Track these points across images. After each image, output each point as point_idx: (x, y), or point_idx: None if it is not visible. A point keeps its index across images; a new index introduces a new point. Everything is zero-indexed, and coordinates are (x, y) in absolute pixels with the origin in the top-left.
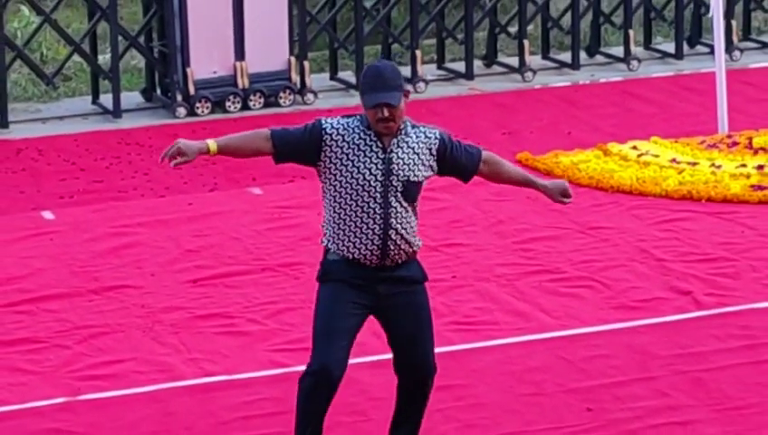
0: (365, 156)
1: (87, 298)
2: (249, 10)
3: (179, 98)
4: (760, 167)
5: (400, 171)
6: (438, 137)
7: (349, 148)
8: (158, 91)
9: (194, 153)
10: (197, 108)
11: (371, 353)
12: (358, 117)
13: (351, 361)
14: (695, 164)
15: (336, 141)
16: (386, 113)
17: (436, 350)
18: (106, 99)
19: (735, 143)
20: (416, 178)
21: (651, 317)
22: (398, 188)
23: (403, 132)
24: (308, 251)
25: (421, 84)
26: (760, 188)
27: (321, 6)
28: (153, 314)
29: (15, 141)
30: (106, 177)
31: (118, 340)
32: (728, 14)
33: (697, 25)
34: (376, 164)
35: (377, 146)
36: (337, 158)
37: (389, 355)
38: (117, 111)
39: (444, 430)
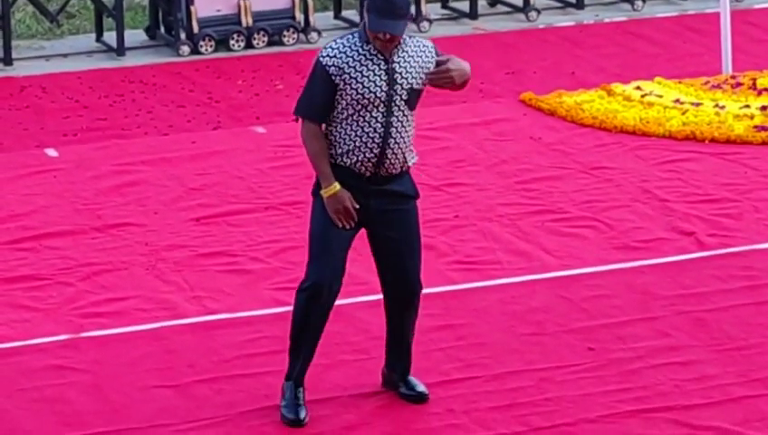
0: (368, 69)
1: (90, 236)
2: None
3: (183, 36)
4: (764, 108)
5: (404, 80)
6: (433, 46)
7: (351, 66)
8: (162, 30)
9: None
10: (201, 46)
11: (373, 293)
12: (356, 33)
13: (352, 299)
14: (698, 105)
15: (339, 66)
16: (387, 37)
17: (438, 289)
18: (110, 36)
19: (739, 84)
20: (418, 86)
21: (653, 258)
22: (402, 96)
23: (402, 43)
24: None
25: (425, 23)
26: (763, 128)
27: None
28: (156, 252)
29: (19, 79)
30: (109, 114)
31: (121, 277)
32: None
33: None
34: (380, 76)
35: (378, 58)
36: (345, 78)
37: None
38: (121, 49)
39: (446, 369)
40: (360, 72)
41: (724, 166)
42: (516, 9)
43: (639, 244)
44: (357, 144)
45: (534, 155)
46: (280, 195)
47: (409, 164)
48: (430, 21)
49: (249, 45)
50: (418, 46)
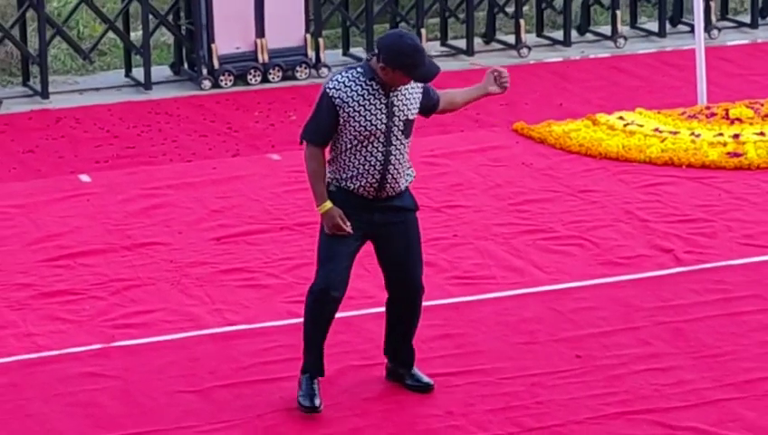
0: (370, 104)
1: (120, 254)
2: None
3: (205, 71)
4: (736, 136)
5: (401, 112)
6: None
7: (354, 100)
8: (186, 66)
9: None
10: (221, 80)
11: (379, 306)
12: (358, 68)
13: (360, 311)
14: (676, 133)
15: (344, 99)
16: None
17: (438, 301)
18: (138, 72)
19: (713, 114)
20: (413, 117)
21: (635, 273)
22: (400, 127)
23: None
24: None
25: None
26: (735, 155)
27: None
28: (180, 269)
29: (55, 111)
30: (138, 143)
31: (148, 292)
32: None
33: (679, 6)
34: (380, 109)
35: (379, 93)
36: (347, 110)
37: None
38: (148, 84)
39: (445, 374)
40: (363, 105)
41: (699, 189)
42: (509, 46)
43: (622, 260)
44: (360, 171)
45: (526, 179)
46: (293, 216)
47: (408, 182)
48: (430, 57)
49: (265, 80)
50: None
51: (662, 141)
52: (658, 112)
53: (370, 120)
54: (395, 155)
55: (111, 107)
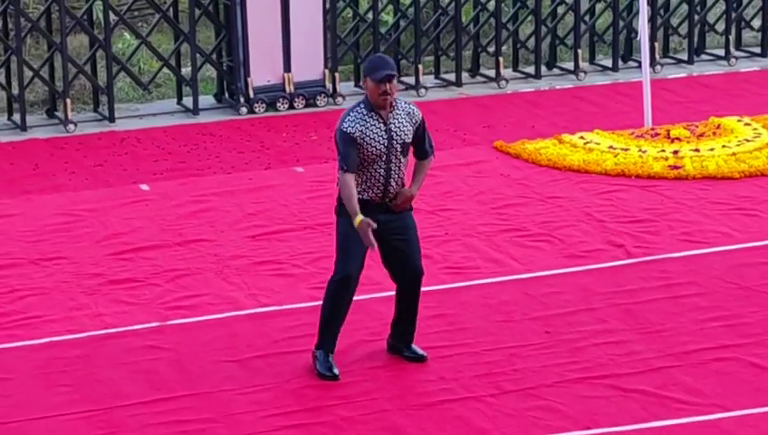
0: (372, 132)
1: (173, 249)
2: (294, 34)
3: (242, 100)
4: (675, 152)
5: (398, 137)
6: (421, 118)
7: (362, 131)
8: (227, 95)
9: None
10: (255, 107)
11: (385, 291)
12: (360, 105)
13: (369, 296)
14: (627, 150)
15: (356, 132)
16: (387, 88)
17: (433, 287)
18: (187, 100)
19: (657, 134)
20: (408, 140)
21: (593, 264)
22: (398, 149)
23: (395, 107)
24: None
25: (422, 90)
26: (675, 167)
27: (347, 32)
28: (222, 261)
29: (120, 132)
30: (187, 159)
31: (196, 280)
32: (652, 38)
33: (629, 46)
34: (381, 135)
35: (379, 121)
36: (359, 141)
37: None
38: (195, 110)
39: (438, 347)
40: (368, 134)
41: (645, 195)
42: (490, 79)
43: (583, 253)
44: (368, 185)
45: (504, 188)
46: (315, 218)
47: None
48: (426, 88)
49: (291, 107)
50: (406, 108)
51: (615, 156)
52: (612, 133)
53: (374, 146)
54: (394, 171)
55: (166, 129)
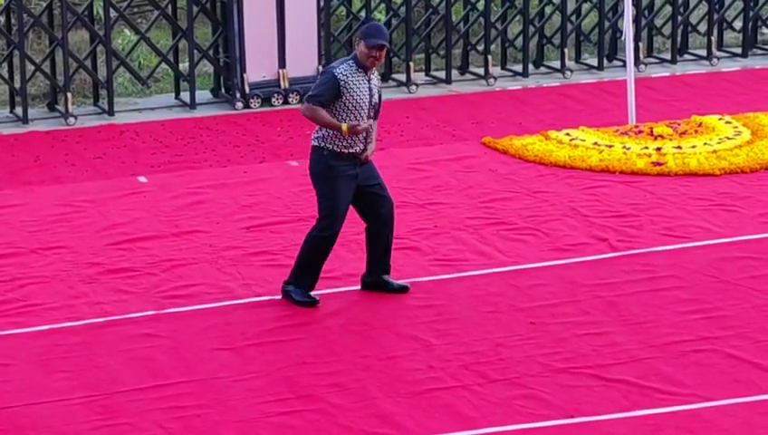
0: (358, 86)
1: (170, 239)
2: (289, 32)
3: (238, 95)
4: (658, 148)
5: (375, 94)
6: (381, 84)
7: (350, 82)
8: (223, 90)
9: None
10: (251, 102)
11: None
12: (350, 60)
13: (349, 288)
14: (611, 146)
15: (345, 81)
16: (377, 54)
17: (422, 278)
18: (185, 95)
19: (641, 131)
20: (381, 99)
21: (578, 257)
22: (373, 105)
23: (373, 70)
24: None
25: (414, 87)
26: (658, 164)
27: (341, 30)
28: (217, 252)
29: (119, 126)
30: (184, 152)
31: (192, 270)
32: (636, 38)
33: (614, 45)
34: (364, 90)
35: (364, 78)
36: (345, 89)
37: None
38: (193, 104)
39: (427, 337)
40: (354, 84)
41: (629, 191)
42: (479, 76)
43: (568, 247)
44: (356, 139)
45: (492, 182)
46: (307, 210)
47: (372, 151)
48: (417, 85)
49: (286, 102)
50: (375, 74)
51: (600, 153)
52: (597, 130)
53: (359, 95)
54: (372, 126)
55: (164, 123)
